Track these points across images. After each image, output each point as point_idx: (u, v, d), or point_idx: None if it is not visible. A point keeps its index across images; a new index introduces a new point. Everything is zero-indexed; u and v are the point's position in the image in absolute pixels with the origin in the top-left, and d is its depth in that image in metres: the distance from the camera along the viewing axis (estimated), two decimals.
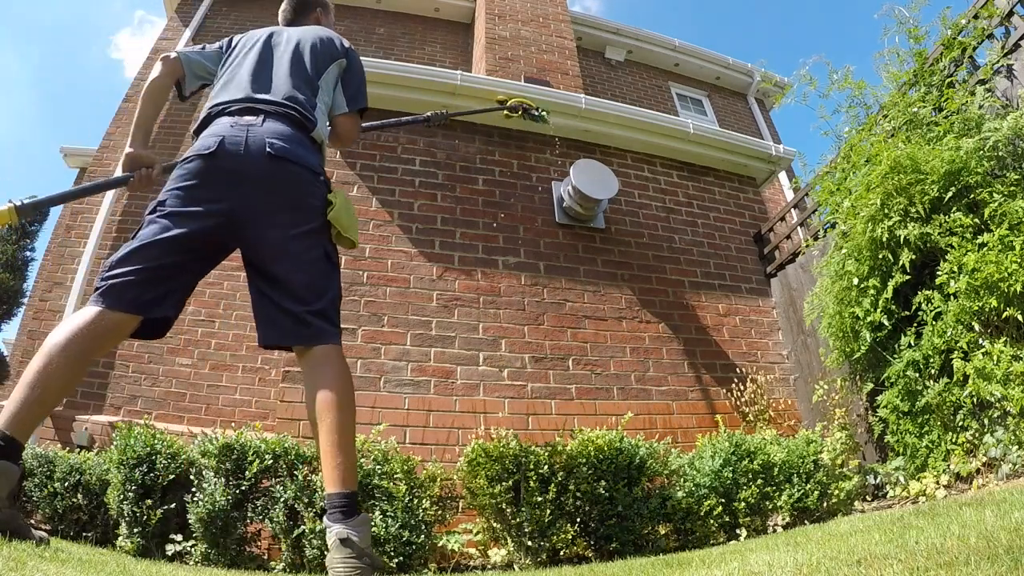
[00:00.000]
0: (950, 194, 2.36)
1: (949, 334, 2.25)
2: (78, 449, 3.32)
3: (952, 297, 2.26)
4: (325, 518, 1.38)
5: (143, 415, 3.91)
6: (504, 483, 2.16)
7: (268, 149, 1.60)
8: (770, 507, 2.37)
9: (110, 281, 1.47)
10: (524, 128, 3.99)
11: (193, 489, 2.17)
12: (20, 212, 1.57)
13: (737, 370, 3.59)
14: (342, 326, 3.01)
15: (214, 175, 1.56)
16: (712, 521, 2.27)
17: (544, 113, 3.33)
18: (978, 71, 2.67)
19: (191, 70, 1.86)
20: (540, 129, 4.01)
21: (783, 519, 2.40)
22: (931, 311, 2.34)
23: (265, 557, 2.26)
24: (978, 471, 2.13)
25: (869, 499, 2.63)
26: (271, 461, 2.15)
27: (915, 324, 2.46)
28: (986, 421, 2.16)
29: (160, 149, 5.44)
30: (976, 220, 2.29)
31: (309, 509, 2.02)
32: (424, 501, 2.15)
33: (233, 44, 1.95)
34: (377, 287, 3.21)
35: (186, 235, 1.52)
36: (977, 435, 2.18)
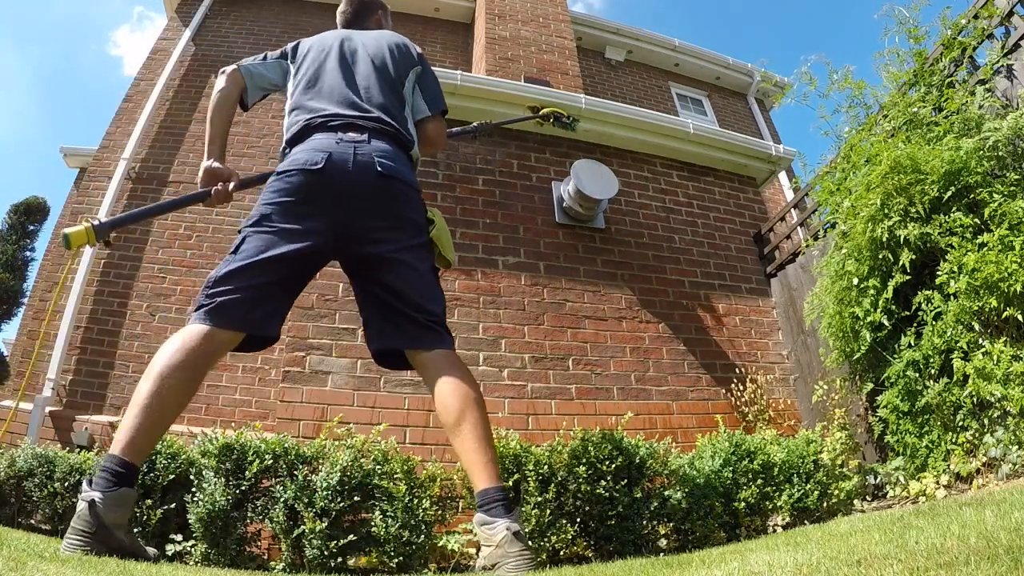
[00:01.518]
0: (950, 194, 2.36)
1: (949, 334, 2.25)
2: (78, 449, 3.31)
3: (952, 297, 2.26)
4: (483, 513, 1.38)
5: None
6: (504, 483, 2.15)
7: (379, 168, 1.61)
8: (770, 507, 2.37)
9: (218, 299, 1.46)
10: (524, 128, 3.99)
11: (193, 489, 2.16)
12: (98, 232, 1.52)
13: (737, 370, 3.59)
14: (343, 326, 3.03)
15: (320, 191, 1.55)
16: (712, 521, 2.27)
17: (575, 121, 3.38)
18: (978, 71, 2.67)
19: (253, 83, 1.86)
20: (540, 129, 4.01)
21: (783, 519, 2.40)
22: (931, 311, 2.34)
23: (265, 557, 2.26)
24: (978, 471, 2.13)
25: (869, 499, 2.63)
26: (271, 461, 2.15)
27: (915, 324, 2.46)
28: (986, 421, 2.16)
29: (160, 150, 5.44)
30: (976, 220, 2.30)
31: (309, 509, 2.02)
32: (424, 501, 2.15)
33: (302, 51, 1.91)
34: None
35: (291, 252, 1.52)
36: (977, 435, 2.18)
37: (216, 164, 1.69)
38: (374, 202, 1.61)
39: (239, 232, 1.60)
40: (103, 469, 1.31)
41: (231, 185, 1.69)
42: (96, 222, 1.52)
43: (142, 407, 1.33)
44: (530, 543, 1.35)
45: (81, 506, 1.28)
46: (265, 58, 1.89)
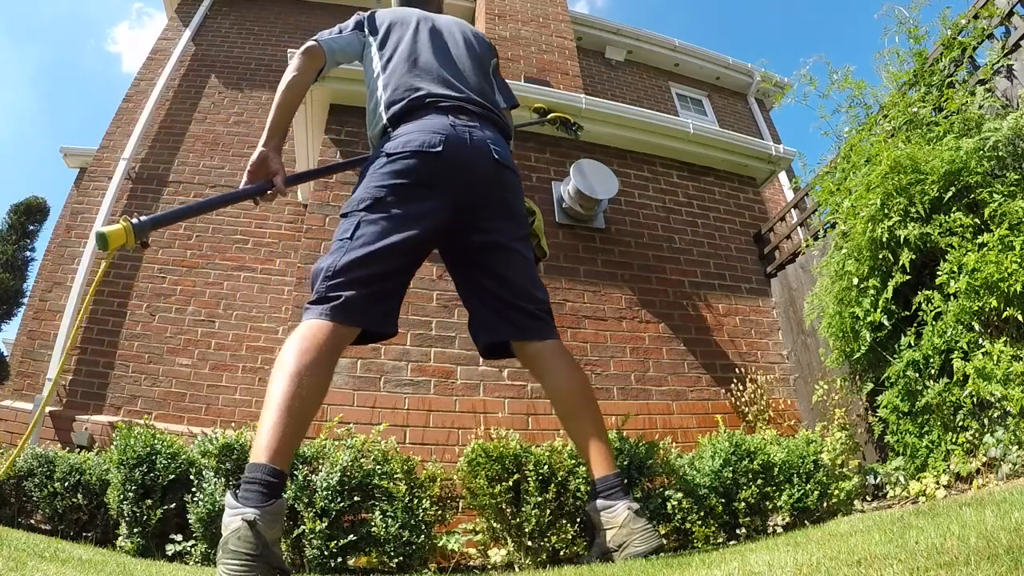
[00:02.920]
0: (950, 194, 2.36)
1: (949, 334, 2.25)
2: (78, 449, 3.32)
3: (952, 297, 2.26)
4: (603, 498, 1.45)
5: (143, 415, 3.91)
6: (504, 483, 2.15)
7: (495, 156, 1.58)
8: (770, 507, 2.37)
9: (341, 293, 1.38)
10: (524, 128, 3.99)
11: (193, 489, 2.17)
12: (138, 232, 1.42)
13: (737, 370, 3.59)
14: None
15: (438, 175, 1.49)
16: (712, 521, 2.27)
17: (580, 128, 3.40)
18: (978, 71, 2.67)
19: (333, 59, 1.77)
20: (540, 129, 4.00)
21: (783, 519, 2.40)
22: (931, 311, 2.34)
23: None
24: (978, 471, 2.13)
25: (869, 499, 2.63)
26: None
27: (915, 324, 2.46)
28: (986, 421, 2.16)
29: (160, 150, 5.44)
30: (976, 220, 2.29)
31: (309, 509, 2.02)
32: (424, 501, 2.15)
33: (381, 23, 1.81)
34: None
35: (410, 239, 1.45)
36: (977, 435, 2.18)
37: (273, 155, 1.58)
38: (489, 189, 1.57)
39: (345, 216, 1.51)
40: (253, 481, 1.17)
41: (280, 180, 1.58)
42: (135, 221, 1.41)
43: (284, 409, 1.24)
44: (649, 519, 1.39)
45: (236, 525, 1.10)
46: (341, 32, 1.80)
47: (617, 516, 1.42)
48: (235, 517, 1.11)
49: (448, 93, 1.62)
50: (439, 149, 1.49)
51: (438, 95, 1.61)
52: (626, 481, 1.65)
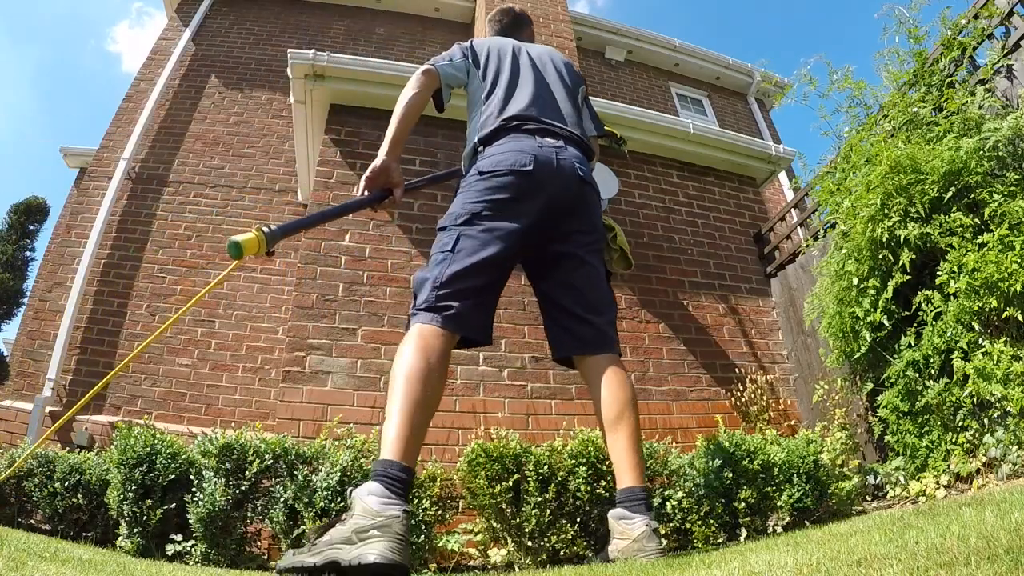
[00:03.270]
0: (950, 194, 2.36)
1: (949, 334, 2.25)
2: (78, 449, 3.32)
3: (952, 297, 2.26)
4: (624, 509, 1.50)
5: (143, 415, 3.91)
6: (504, 483, 2.15)
7: (580, 174, 1.70)
8: (770, 507, 2.37)
9: (451, 303, 1.48)
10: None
11: (193, 489, 2.17)
12: (270, 240, 1.48)
13: (737, 370, 3.59)
14: (343, 326, 3.05)
15: (528, 192, 1.60)
16: (712, 521, 2.27)
17: (624, 140, 3.34)
18: (978, 71, 2.67)
19: (446, 83, 1.89)
20: None
21: (783, 519, 2.40)
22: (931, 311, 2.34)
23: (265, 557, 2.26)
24: (978, 471, 2.13)
25: (869, 499, 2.63)
26: (271, 461, 2.15)
27: (915, 324, 2.46)
28: (986, 421, 2.16)
29: (160, 150, 5.44)
30: (976, 220, 2.29)
31: (309, 509, 2.02)
32: (424, 501, 2.15)
33: (480, 53, 1.96)
34: (377, 287, 3.21)
35: (504, 252, 1.56)
36: (977, 435, 2.17)
37: (395, 166, 1.72)
38: (574, 205, 1.69)
39: (443, 229, 1.61)
40: (392, 477, 1.25)
41: (400, 192, 1.74)
42: (266, 229, 1.48)
43: (412, 411, 1.32)
44: (664, 543, 1.44)
45: (394, 512, 1.20)
46: (452, 59, 1.92)
47: (634, 529, 1.46)
48: (394, 507, 1.20)
49: (536, 116, 1.75)
50: (530, 168, 1.60)
51: (525, 118, 1.74)
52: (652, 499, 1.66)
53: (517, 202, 1.59)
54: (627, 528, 1.47)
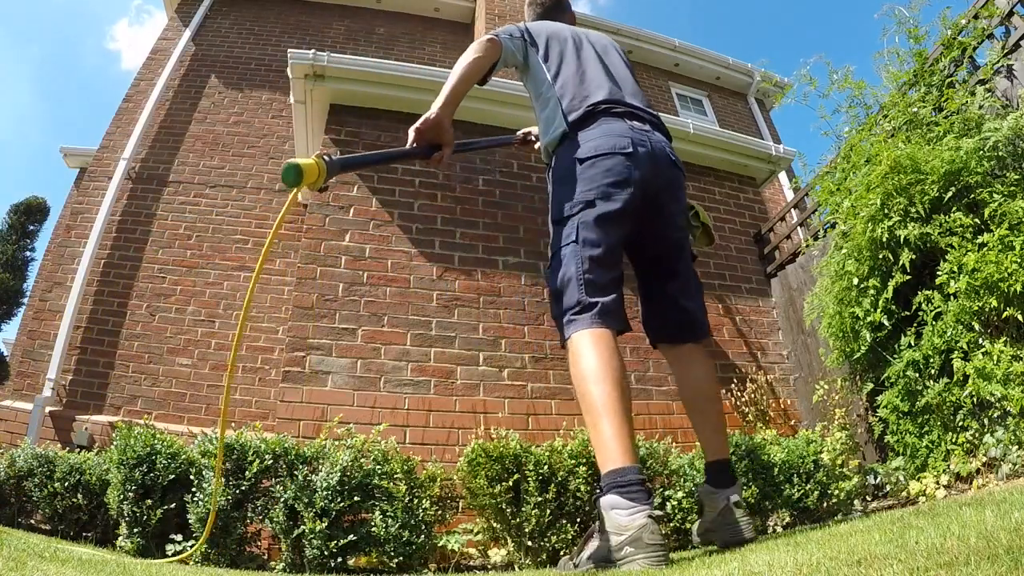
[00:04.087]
0: (950, 194, 2.36)
1: (949, 334, 2.25)
2: (78, 449, 3.32)
3: (952, 297, 2.26)
4: (711, 485, 1.60)
5: (143, 415, 3.91)
6: (504, 483, 2.16)
7: (671, 156, 1.71)
8: (770, 507, 2.37)
9: (600, 300, 1.48)
10: (524, 127, 3.98)
11: (193, 489, 2.17)
12: (330, 170, 1.42)
13: (737, 370, 3.58)
14: (343, 326, 3.05)
15: (632, 175, 1.58)
16: None
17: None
18: (978, 71, 2.67)
19: (504, 59, 1.86)
20: None
21: (783, 519, 2.40)
22: (931, 311, 2.34)
23: (265, 557, 2.26)
24: (978, 471, 2.13)
25: (869, 499, 2.63)
26: (271, 461, 2.15)
27: (915, 324, 2.46)
28: (986, 421, 2.16)
29: (160, 150, 5.44)
30: (976, 220, 2.29)
31: (309, 509, 2.02)
32: (424, 501, 2.15)
33: (539, 36, 1.92)
34: (377, 287, 3.21)
35: (623, 235, 1.60)
36: (977, 435, 2.17)
37: (448, 122, 1.68)
38: (670, 188, 1.69)
39: (559, 222, 1.60)
40: (632, 483, 1.28)
41: (449, 149, 1.70)
42: (327, 158, 1.42)
43: (619, 413, 1.34)
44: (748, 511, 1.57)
45: (643, 521, 1.23)
46: (511, 35, 1.89)
47: (718, 503, 1.57)
48: (639, 515, 1.23)
49: (620, 100, 1.75)
50: (630, 151, 1.59)
51: (612, 102, 1.72)
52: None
53: (622, 185, 1.57)
54: (715, 501, 1.59)
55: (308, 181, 1.38)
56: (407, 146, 1.68)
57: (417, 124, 1.66)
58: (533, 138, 2.35)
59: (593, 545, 1.31)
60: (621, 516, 1.24)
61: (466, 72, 1.73)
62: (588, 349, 1.42)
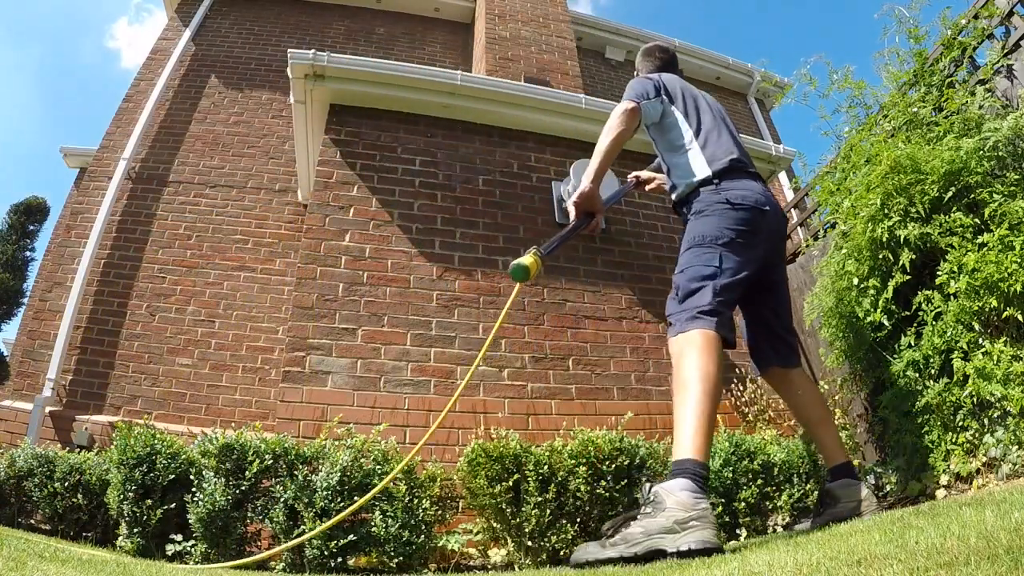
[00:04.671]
0: (950, 194, 2.36)
1: (949, 334, 2.25)
2: (78, 449, 3.32)
3: (952, 297, 2.26)
4: (848, 478, 1.84)
5: (143, 415, 3.91)
6: (504, 483, 2.16)
7: (783, 215, 2.03)
8: (770, 507, 2.37)
9: (723, 312, 1.71)
10: (524, 128, 3.99)
11: (193, 489, 2.17)
12: (543, 261, 1.79)
13: (737, 370, 3.58)
14: (343, 326, 3.06)
15: (764, 227, 1.89)
16: None
17: None
18: (978, 71, 2.67)
19: (644, 120, 2.09)
20: (540, 129, 4.01)
21: (783, 519, 2.40)
22: (931, 311, 2.34)
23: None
24: (978, 471, 2.13)
25: None
26: (271, 461, 2.15)
27: (915, 324, 2.46)
28: (986, 421, 2.16)
29: (160, 150, 5.44)
30: (976, 220, 2.29)
31: (309, 509, 2.02)
32: (424, 501, 2.15)
33: (678, 93, 2.14)
34: (377, 287, 3.21)
35: (753, 274, 1.84)
36: (977, 435, 2.17)
37: (597, 193, 1.99)
38: (781, 240, 2.05)
39: (700, 246, 1.82)
40: (699, 475, 1.44)
41: (600, 218, 2.03)
42: (540, 252, 1.79)
43: (711, 412, 1.51)
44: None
45: (705, 505, 1.40)
46: (649, 97, 2.08)
47: (859, 492, 1.81)
48: (704, 500, 1.41)
49: (749, 162, 2.04)
50: (767, 208, 1.90)
51: (745, 161, 2.01)
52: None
53: (757, 235, 1.86)
54: (855, 492, 1.80)
55: (533, 274, 1.74)
56: (571, 221, 1.99)
57: (574, 198, 1.97)
58: (644, 178, 2.71)
59: (644, 523, 1.42)
60: (689, 497, 1.40)
61: (610, 149, 1.98)
62: (705, 348, 1.60)
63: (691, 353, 1.59)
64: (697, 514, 1.36)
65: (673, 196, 2.10)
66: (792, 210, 4.25)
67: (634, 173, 2.80)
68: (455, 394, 2.04)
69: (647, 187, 2.70)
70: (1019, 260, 2.06)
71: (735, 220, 1.84)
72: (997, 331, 2.19)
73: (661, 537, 1.36)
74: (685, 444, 1.47)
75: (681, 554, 1.32)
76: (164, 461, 2.25)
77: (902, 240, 2.42)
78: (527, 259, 1.74)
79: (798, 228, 3.93)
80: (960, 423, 2.24)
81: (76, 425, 3.98)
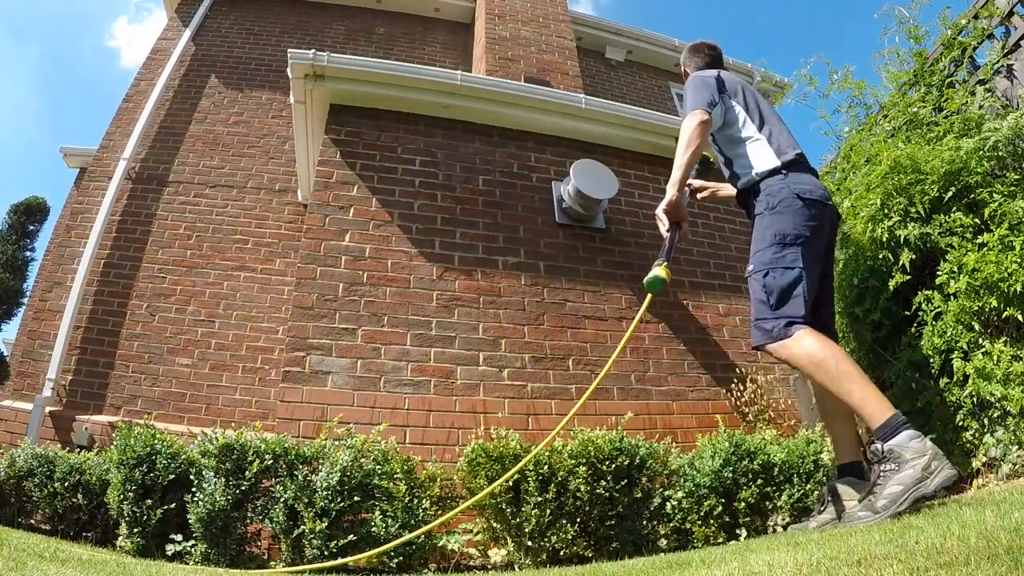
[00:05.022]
0: (950, 194, 2.36)
1: (949, 334, 2.25)
2: (78, 449, 3.32)
3: (952, 297, 2.26)
4: (851, 479, 1.91)
5: (143, 415, 3.91)
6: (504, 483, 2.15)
7: (838, 209, 2.17)
8: (770, 507, 2.37)
9: (808, 316, 1.83)
10: (524, 128, 3.99)
11: (193, 489, 2.17)
12: (669, 270, 1.97)
13: (737, 370, 3.58)
14: (343, 326, 3.06)
15: (827, 221, 1.99)
16: (712, 521, 2.27)
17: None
18: (978, 71, 2.67)
19: (712, 124, 2.18)
20: (540, 129, 4.01)
21: (783, 519, 2.40)
22: (931, 311, 2.34)
23: (265, 557, 2.26)
24: (978, 471, 2.13)
25: None
26: (271, 461, 2.15)
27: (915, 324, 2.46)
28: (986, 421, 2.16)
29: (160, 150, 5.44)
30: (976, 220, 2.29)
31: (309, 509, 2.02)
32: (424, 501, 2.15)
33: (738, 91, 2.24)
34: (377, 287, 3.21)
35: (819, 269, 1.95)
36: (977, 435, 2.17)
37: (683, 201, 2.13)
38: (835, 233, 2.14)
39: (781, 244, 1.91)
40: (906, 423, 1.62)
41: (686, 225, 2.17)
42: (664, 262, 1.98)
43: (866, 377, 1.70)
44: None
45: (930, 444, 1.58)
46: (713, 103, 2.16)
47: (860, 493, 1.84)
48: (926, 440, 1.59)
49: (801, 153, 2.09)
50: (829, 203, 1.99)
51: (803, 156, 2.08)
52: None
53: (823, 228, 1.97)
54: (857, 492, 1.85)
55: (667, 283, 1.94)
56: (665, 231, 2.12)
57: (663, 206, 2.11)
58: (695, 187, 2.76)
59: (897, 480, 1.57)
60: (917, 443, 1.57)
61: (691, 160, 2.09)
62: (821, 343, 1.76)
63: (815, 350, 1.75)
64: (932, 454, 1.55)
65: (738, 185, 2.19)
66: None
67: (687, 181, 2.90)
68: (587, 392, 2.08)
69: (699, 195, 2.76)
70: (1019, 260, 2.06)
71: (808, 216, 1.93)
72: (997, 331, 2.19)
73: (919, 487, 1.54)
74: (876, 411, 1.64)
75: (938, 492, 1.55)
76: (164, 461, 2.25)
77: (902, 240, 2.42)
78: (660, 271, 1.90)
79: None
80: (960, 423, 2.25)
81: (76, 425, 3.97)
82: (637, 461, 2.29)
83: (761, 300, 1.90)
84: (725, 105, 2.20)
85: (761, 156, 2.09)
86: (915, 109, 2.72)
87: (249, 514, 2.14)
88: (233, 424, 3.49)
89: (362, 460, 2.16)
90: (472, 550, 2.37)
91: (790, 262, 1.88)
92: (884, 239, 2.49)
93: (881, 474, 1.62)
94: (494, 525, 2.24)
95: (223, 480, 2.13)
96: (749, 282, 1.98)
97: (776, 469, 2.39)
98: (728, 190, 2.43)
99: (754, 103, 2.22)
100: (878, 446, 1.63)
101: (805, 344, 1.79)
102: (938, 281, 2.32)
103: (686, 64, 2.56)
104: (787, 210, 1.95)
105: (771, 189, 2.02)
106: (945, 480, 1.53)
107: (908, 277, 2.44)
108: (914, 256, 2.40)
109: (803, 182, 1.99)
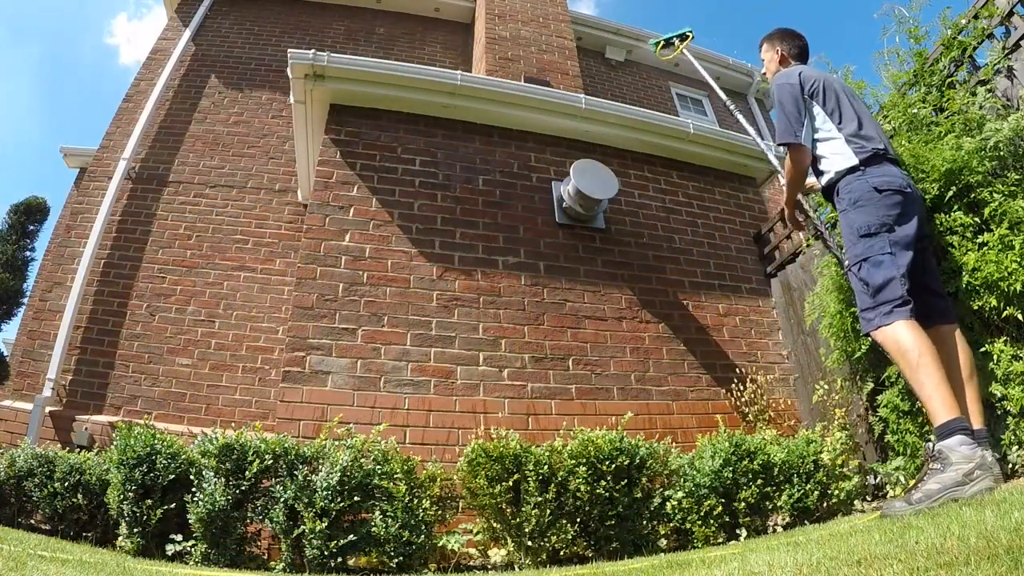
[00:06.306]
0: (950, 193, 2.36)
1: None
2: (78, 449, 3.32)
3: (952, 296, 2.26)
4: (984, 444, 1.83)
5: (143, 415, 3.91)
6: (504, 483, 2.15)
7: (924, 196, 2.24)
8: (770, 507, 2.37)
9: (910, 298, 1.89)
10: (524, 128, 3.99)
11: (193, 489, 2.17)
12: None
13: (737, 370, 3.58)
14: (343, 326, 3.07)
15: (911, 207, 2.04)
16: (712, 521, 2.27)
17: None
18: (978, 71, 2.67)
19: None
20: (540, 129, 4.01)
21: (783, 519, 2.40)
22: None
23: (265, 557, 2.26)
24: None
25: (869, 499, 2.63)
26: (271, 461, 2.15)
27: None
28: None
29: (160, 150, 5.44)
30: (976, 219, 2.29)
31: (309, 509, 2.02)
32: (424, 501, 2.15)
33: (820, 90, 2.29)
34: (377, 287, 3.21)
35: (914, 253, 1.99)
36: None
37: (794, 212, 2.58)
38: (926, 218, 2.18)
39: (868, 236, 2.00)
40: (966, 429, 1.67)
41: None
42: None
43: (943, 379, 1.74)
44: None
45: (983, 452, 1.63)
46: (801, 120, 2.26)
47: (983, 457, 1.83)
48: (978, 448, 1.65)
49: (889, 148, 2.17)
50: (910, 191, 2.05)
51: (885, 148, 2.15)
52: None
53: (908, 215, 2.02)
54: (975, 453, 1.81)
55: None
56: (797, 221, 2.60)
57: (786, 211, 2.61)
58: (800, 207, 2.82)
59: (937, 479, 1.62)
60: (967, 450, 1.62)
61: (795, 186, 2.42)
62: (914, 334, 1.82)
63: (904, 339, 1.82)
64: (978, 462, 1.60)
65: (821, 183, 2.30)
66: None
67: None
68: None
69: (798, 215, 2.82)
70: (1019, 259, 2.07)
71: (889, 205, 2.01)
72: (997, 331, 2.19)
73: (955, 490, 1.59)
74: (940, 410, 1.69)
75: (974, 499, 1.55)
76: (164, 461, 2.25)
77: None
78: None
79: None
80: None
81: (76, 425, 3.97)
82: (637, 461, 2.29)
83: (861, 291, 1.99)
84: (809, 114, 2.30)
85: (839, 155, 2.19)
86: (915, 110, 2.72)
87: (249, 514, 2.14)
88: (233, 424, 3.49)
89: (362, 460, 2.16)
90: (472, 550, 2.37)
91: (878, 251, 1.97)
92: None
93: (928, 471, 1.69)
94: (494, 525, 2.24)
95: (223, 480, 2.13)
96: (848, 277, 2.10)
97: (776, 469, 2.39)
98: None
99: (834, 101, 2.27)
100: (932, 443, 1.69)
101: (898, 333, 1.87)
102: None
103: (778, 45, 2.60)
104: (868, 204, 2.04)
105: (850, 187, 2.12)
106: (983, 490, 1.56)
107: None
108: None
109: (881, 174, 2.07)
